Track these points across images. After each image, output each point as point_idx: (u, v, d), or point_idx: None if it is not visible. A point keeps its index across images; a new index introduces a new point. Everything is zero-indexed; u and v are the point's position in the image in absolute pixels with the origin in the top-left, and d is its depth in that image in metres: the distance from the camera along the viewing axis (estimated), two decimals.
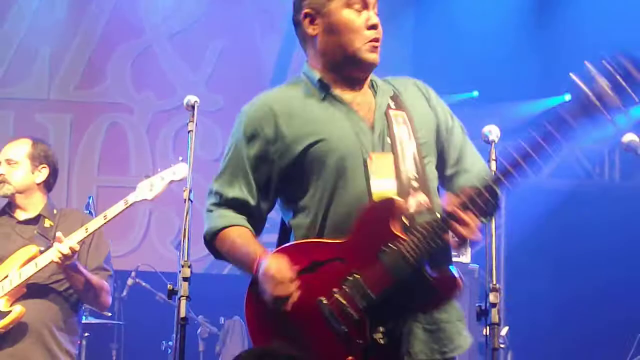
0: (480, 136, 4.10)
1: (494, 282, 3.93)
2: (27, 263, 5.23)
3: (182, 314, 3.82)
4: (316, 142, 3.41)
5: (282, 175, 3.49)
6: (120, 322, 7.95)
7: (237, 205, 3.52)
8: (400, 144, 3.42)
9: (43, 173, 5.51)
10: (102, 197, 8.48)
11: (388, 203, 3.31)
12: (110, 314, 6.95)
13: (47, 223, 5.44)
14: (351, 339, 3.28)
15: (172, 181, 5.14)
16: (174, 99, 9.48)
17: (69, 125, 9.64)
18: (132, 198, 5.17)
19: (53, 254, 5.10)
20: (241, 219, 3.51)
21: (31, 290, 5.29)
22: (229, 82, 9.66)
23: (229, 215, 3.52)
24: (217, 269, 9.36)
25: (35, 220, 5.47)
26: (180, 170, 4.98)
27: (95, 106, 9.73)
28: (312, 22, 3.52)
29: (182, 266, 3.90)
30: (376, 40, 3.47)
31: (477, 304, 3.93)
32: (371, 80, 3.57)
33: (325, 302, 3.29)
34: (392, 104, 3.51)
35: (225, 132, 9.35)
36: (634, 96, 3.03)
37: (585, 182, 9.79)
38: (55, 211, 5.52)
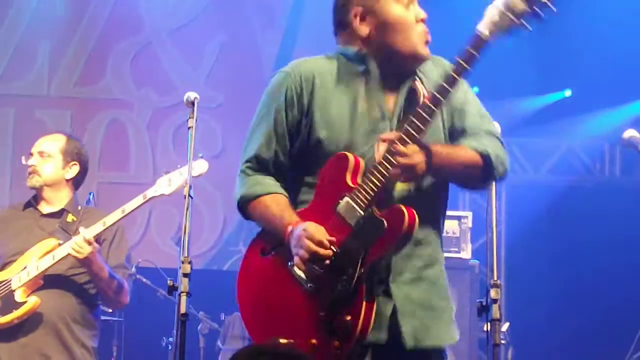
0: None
1: (495, 278, 3.93)
2: (45, 255, 5.28)
3: (183, 310, 3.82)
4: (335, 138, 3.45)
5: (301, 148, 3.53)
6: (121, 319, 7.95)
7: (273, 168, 3.57)
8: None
9: (73, 170, 5.56)
10: (102, 194, 8.48)
11: (339, 159, 3.40)
12: (110, 310, 6.95)
13: (70, 218, 5.48)
14: (319, 294, 3.34)
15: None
16: (174, 95, 9.47)
17: (69, 122, 9.62)
18: (150, 193, 5.20)
19: (69, 247, 5.14)
20: (277, 186, 3.55)
21: (49, 282, 5.33)
22: (229, 79, 9.66)
23: (265, 183, 3.55)
24: (218, 265, 9.37)
25: (59, 214, 5.52)
26: (199, 167, 4.98)
27: (95, 102, 9.73)
28: (362, 20, 3.50)
29: (183, 262, 3.90)
30: (427, 33, 3.52)
31: (478, 300, 3.94)
32: None
33: (293, 264, 3.37)
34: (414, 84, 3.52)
35: (225, 128, 9.38)
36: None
37: (586, 178, 9.79)
38: (79, 207, 5.56)
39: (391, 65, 3.51)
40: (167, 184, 5.16)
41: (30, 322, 5.31)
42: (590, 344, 8.79)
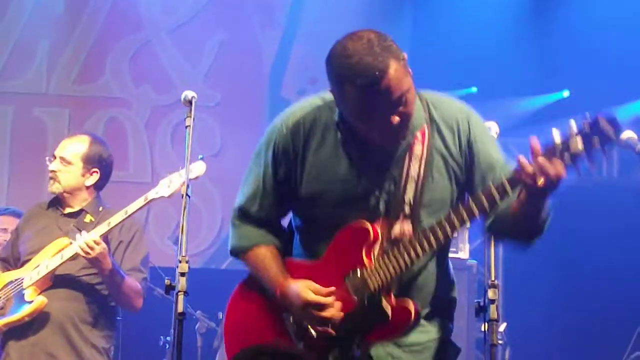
0: None
1: (493, 279, 3.94)
2: (56, 254, 5.29)
3: (180, 309, 3.82)
4: (326, 192, 3.39)
5: (295, 196, 3.49)
6: (118, 318, 7.94)
7: (258, 221, 3.55)
8: (408, 176, 3.34)
9: (93, 177, 5.58)
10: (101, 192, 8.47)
11: (362, 229, 3.33)
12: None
13: (88, 218, 5.50)
14: (307, 356, 3.37)
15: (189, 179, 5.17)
16: (172, 93, 9.46)
17: (67, 120, 9.63)
18: (151, 194, 5.21)
19: (77, 246, 5.15)
20: (263, 237, 3.55)
21: (58, 282, 5.38)
22: (228, 77, 9.66)
23: (251, 235, 3.56)
24: (215, 264, 9.36)
25: (77, 214, 5.53)
26: (197, 168, 4.99)
27: (93, 101, 9.72)
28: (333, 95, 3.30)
29: (180, 261, 3.90)
30: (398, 140, 3.29)
31: (475, 300, 3.94)
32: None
33: (290, 317, 3.40)
34: (418, 136, 3.36)
35: (223, 127, 9.37)
36: (602, 152, 3.03)
37: (583, 179, 9.75)
38: (100, 209, 5.56)
39: None
40: (167, 185, 5.17)
41: (39, 322, 5.34)
42: (588, 344, 8.78)
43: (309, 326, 3.34)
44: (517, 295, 8.66)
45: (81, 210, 5.54)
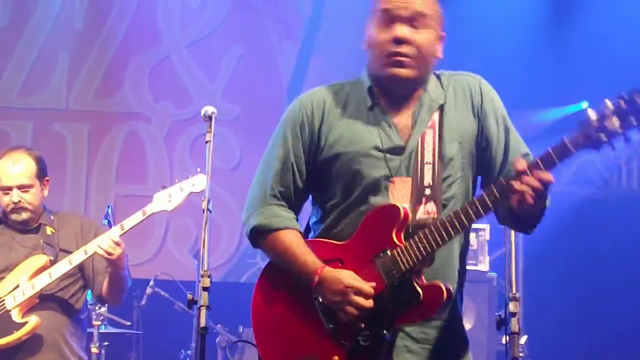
0: None
1: (514, 291, 3.93)
2: (37, 273, 5.26)
3: (202, 323, 3.82)
4: (347, 154, 3.44)
5: (314, 172, 3.53)
6: (139, 332, 7.96)
7: (287, 197, 3.56)
8: (424, 165, 3.41)
9: (47, 186, 5.54)
10: (121, 206, 8.48)
11: (391, 209, 3.35)
12: (129, 323, 6.97)
13: (49, 230, 5.45)
14: (337, 337, 3.35)
15: (191, 193, 5.16)
16: (191, 108, 9.51)
17: (87, 135, 9.67)
18: (149, 209, 5.19)
19: (96, 248, 5.15)
20: (292, 220, 3.55)
21: (42, 299, 5.32)
22: (246, 91, 9.68)
23: (282, 215, 3.54)
24: (235, 277, 9.38)
25: (36, 229, 5.47)
26: (199, 182, 4.99)
27: (113, 115, 9.76)
28: (366, 46, 3.51)
29: (202, 276, 3.90)
30: (396, 54, 3.40)
31: (496, 313, 3.94)
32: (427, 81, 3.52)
33: (321, 299, 3.37)
34: (432, 118, 3.47)
35: (242, 140, 9.40)
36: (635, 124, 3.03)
37: (603, 190, 9.77)
38: (52, 217, 5.52)
39: (385, 89, 3.50)
40: (166, 199, 5.15)
41: (32, 342, 5.28)
42: (609, 357, 8.75)
43: (343, 309, 3.32)
44: (538, 308, 8.64)
45: (39, 225, 5.49)
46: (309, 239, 3.55)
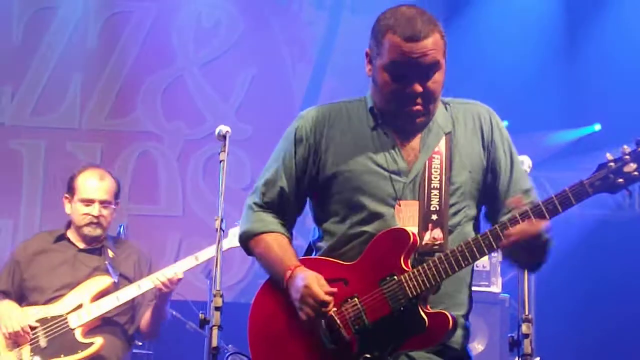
0: None
1: (526, 313, 3.92)
2: (100, 294, 5.28)
3: (214, 343, 3.83)
4: (349, 172, 3.44)
5: (314, 189, 3.55)
6: (150, 352, 7.95)
7: (275, 206, 3.59)
8: (431, 190, 3.40)
9: (117, 207, 5.59)
10: (133, 226, 8.47)
11: (400, 234, 3.34)
12: (140, 343, 6.97)
13: (110, 254, 5.48)
14: (337, 358, 3.33)
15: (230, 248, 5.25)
16: (204, 127, 9.52)
17: (100, 154, 9.67)
18: (226, 245, 5.24)
19: (155, 281, 5.23)
20: (278, 225, 3.58)
21: (103, 322, 5.39)
22: (259, 111, 9.69)
23: (267, 220, 3.58)
24: (246, 298, 9.34)
25: (99, 251, 5.49)
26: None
27: (125, 135, 9.77)
28: (369, 62, 3.47)
29: (214, 295, 3.90)
30: (414, 110, 3.38)
31: (509, 335, 3.93)
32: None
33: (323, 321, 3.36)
34: (438, 145, 3.47)
35: (254, 160, 9.39)
36: None
37: (616, 213, 9.74)
38: (112, 241, 5.58)
39: (389, 117, 3.48)
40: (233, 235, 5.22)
41: None
42: None
43: (301, 309, 3.32)
44: (551, 329, 8.60)
45: (102, 247, 5.52)
46: (314, 257, 3.55)
